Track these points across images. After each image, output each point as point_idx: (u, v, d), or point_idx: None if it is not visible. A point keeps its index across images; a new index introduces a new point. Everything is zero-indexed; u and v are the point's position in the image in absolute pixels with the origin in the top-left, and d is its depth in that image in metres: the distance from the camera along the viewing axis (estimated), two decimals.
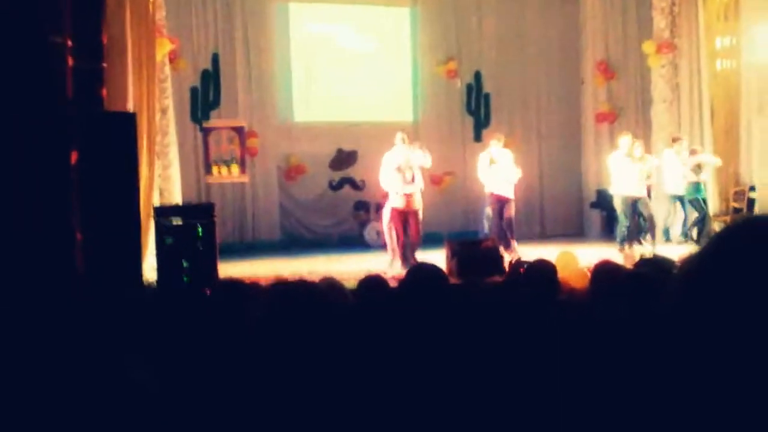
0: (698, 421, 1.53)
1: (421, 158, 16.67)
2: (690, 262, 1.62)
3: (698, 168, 18.30)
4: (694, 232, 18.76)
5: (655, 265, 6.89)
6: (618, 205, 17.87)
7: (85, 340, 3.58)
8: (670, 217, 19.64)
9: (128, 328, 3.91)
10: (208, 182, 21.15)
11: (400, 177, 16.22)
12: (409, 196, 16.32)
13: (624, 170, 17.49)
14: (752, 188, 18.89)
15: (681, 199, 18.93)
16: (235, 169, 20.70)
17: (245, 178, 21.34)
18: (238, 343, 3.96)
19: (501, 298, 5.55)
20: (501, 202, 17.53)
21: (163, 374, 3.90)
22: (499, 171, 17.49)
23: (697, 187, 18.52)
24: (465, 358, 3.85)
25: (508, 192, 17.56)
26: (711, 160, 18.62)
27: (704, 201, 18.57)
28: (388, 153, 16.66)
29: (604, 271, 6.84)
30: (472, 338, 4.18)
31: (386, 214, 16.47)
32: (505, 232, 17.42)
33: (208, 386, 3.71)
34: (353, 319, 5.36)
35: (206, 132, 20.87)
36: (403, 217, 16.37)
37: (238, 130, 20.94)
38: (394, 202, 16.28)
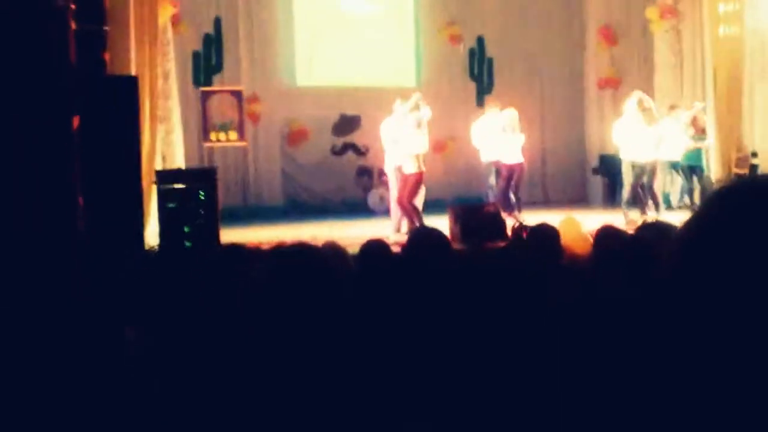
0: (696, 391, 1.51)
1: (428, 112, 16.54)
2: (686, 224, 1.59)
3: (698, 131, 18.21)
4: (687, 200, 18.79)
5: (656, 230, 6.88)
6: (625, 169, 17.79)
7: (86, 304, 3.57)
8: (668, 185, 19.58)
9: (128, 292, 3.90)
10: (206, 146, 21.07)
11: (425, 136, 16.10)
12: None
13: (632, 133, 17.37)
14: (754, 154, 18.85)
15: (678, 166, 18.86)
16: (233, 134, 20.60)
17: (244, 143, 21.27)
18: (239, 307, 3.95)
19: (504, 263, 5.53)
20: (512, 170, 17.48)
21: (162, 339, 3.89)
22: (508, 138, 17.44)
23: (693, 155, 18.51)
24: (467, 323, 3.83)
25: (519, 158, 17.53)
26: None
27: (697, 169, 18.49)
28: (389, 119, 16.54)
29: (606, 236, 6.83)
30: (475, 303, 4.16)
31: (411, 182, 16.11)
32: (511, 198, 17.38)
33: (208, 351, 3.70)
34: (355, 283, 5.35)
35: (204, 96, 20.79)
36: None
37: (237, 95, 20.83)
38: (421, 165, 16.04)
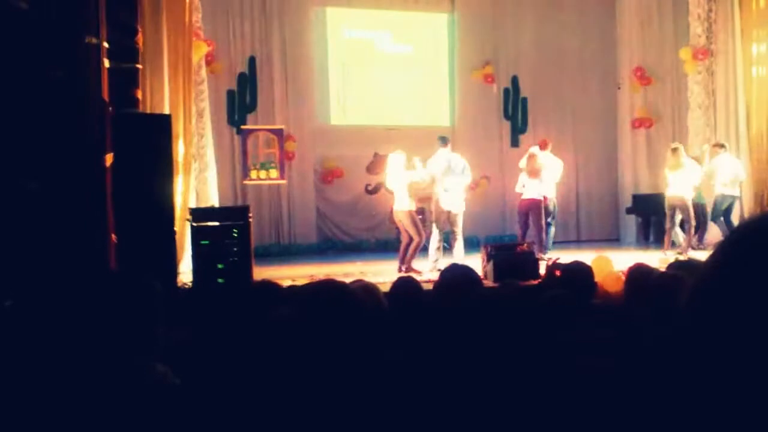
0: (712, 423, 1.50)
1: (419, 175, 16.47)
2: (707, 260, 1.59)
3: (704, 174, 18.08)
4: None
5: (686, 268, 6.86)
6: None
7: (115, 340, 3.58)
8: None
9: (161, 326, 3.90)
10: (246, 184, 21.15)
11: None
12: None
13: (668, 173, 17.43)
14: None
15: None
16: (273, 172, 20.66)
17: (284, 182, 21.34)
18: (271, 343, 3.94)
19: (536, 301, 5.51)
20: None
21: (195, 375, 3.89)
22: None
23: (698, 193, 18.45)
24: (497, 360, 3.82)
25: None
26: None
27: (695, 208, 18.29)
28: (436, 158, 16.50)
29: (638, 273, 6.82)
30: (504, 340, 4.14)
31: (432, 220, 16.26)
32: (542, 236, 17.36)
33: (240, 386, 3.69)
34: (386, 320, 5.34)
35: (245, 135, 20.88)
36: None
37: (278, 133, 20.91)
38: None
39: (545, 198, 17.31)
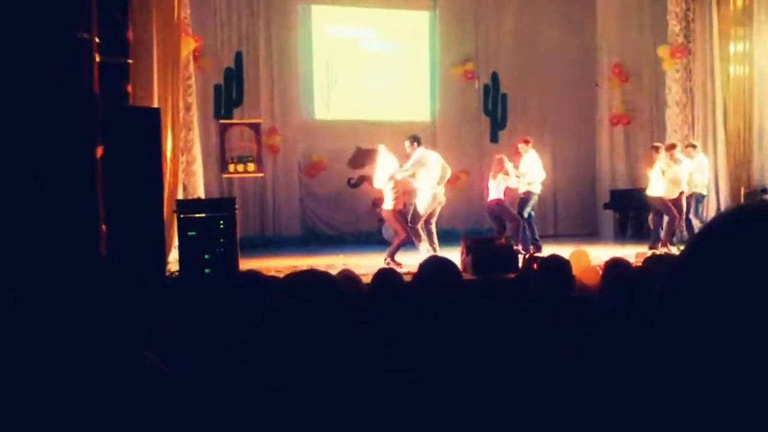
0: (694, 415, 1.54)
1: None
2: (683, 252, 1.63)
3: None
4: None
5: (662, 262, 6.92)
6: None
7: (106, 328, 3.61)
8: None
9: (151, 316, 3.93)
10: (224, 177, 21.18)
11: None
12: None
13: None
14: (764, 190, 18.85)
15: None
16: (251, 166, 20.74)
17: (261, 175, 21.38)
18: (255, 330, 3.98)
19: (514, 293, 5.56)
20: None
21: (181, 360, 3.93)
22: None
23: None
24: (475, 351, 3.86)
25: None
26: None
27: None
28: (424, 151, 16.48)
29: (615, 267, 6.86)
30: (484, 331, 4.18)
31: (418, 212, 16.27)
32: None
33: (226, 372, 3.73)
34: (367, 309, 5.38)
35: (223, 129, 20.91)
36: None
37: (255, 127, 20.96)
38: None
39: (528, 192, 17.35)
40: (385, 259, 15.50)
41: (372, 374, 3.66)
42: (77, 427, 3.24)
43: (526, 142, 17.96)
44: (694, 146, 18.38)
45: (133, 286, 3.66)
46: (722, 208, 19.17)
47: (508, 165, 17.29)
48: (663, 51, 21.16)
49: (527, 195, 17.37)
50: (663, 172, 16.92)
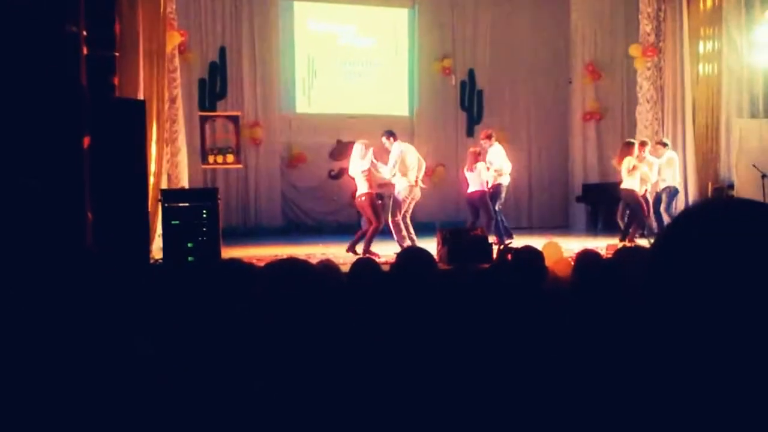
0: (664, 402, 1.56)
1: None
2: (653, 245, 1.65)
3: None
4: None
5: (631, 254, 6.94)
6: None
7: (92, 314, 3.61)
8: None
9: (134, 304, 3.94)
10: (204, 168, 21.14)
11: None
12: None
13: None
14: (731, 186, 18.91)
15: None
16: (230, 157, 20.72)
17: (239, 166, 21.38)
18: (237, 317, 3.99)
19: (488, 283, 5.57)
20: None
21: (165, 347, 3.93)
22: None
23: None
24: (449, 337, 3.87)
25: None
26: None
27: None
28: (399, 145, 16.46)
29: (586, 259, 6.87)
30: (458, 320, 4.20)
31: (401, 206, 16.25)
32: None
33: (208, 357, 3.73)
34: (346, 297, 5.39)
35: (203, 121, 20.89)
36: None
37: (234, 120, 20.96)
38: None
39: (498, 185, 17.33)
40: (364, 252, 15.49)
41: (349, 359, 3.67)
42: (66, 412, 3.24)
43: (489, 137, 17.85)
44: (664, 144, 18.43)
45: (118, 273, 3.66)
46: (690, 203, 19.23)
47: (491, 151, 17.31)
48: (634, 50, 21.25)
49: (497, 188, 17.34)
50: (634, 168, 16.96)
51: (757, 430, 1.50)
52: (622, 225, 17.83)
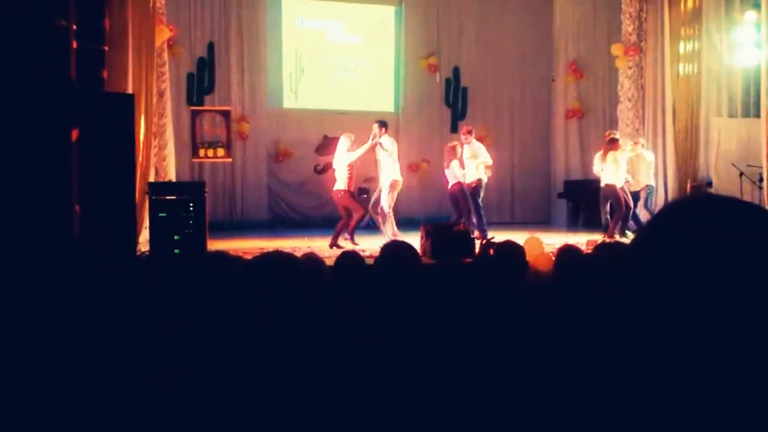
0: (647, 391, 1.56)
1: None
2: (634, 240, 1.67)
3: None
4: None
5: (611, 250, 6.95)
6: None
7: (77, 303, 3.57)
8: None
9: (120, 294, 3.90)
10: (194, 162, 21.12)
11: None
12: None
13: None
14: (709, 183, 18.97)
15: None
16: (221, 151, 20.69)
17: (229, 160, 21.35)
18: (222, 308, 3.96)
19: (470, 276, 5.56)
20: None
21: (149, 337, 3.90)
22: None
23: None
24: (432, 329, 3.85)
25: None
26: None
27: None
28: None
29: (567, 254, 6.88)
30: (441, 313, 4.18)
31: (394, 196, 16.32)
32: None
33: (193, 348, 3.70)
34: (330, 289, 5.37)
35: (194, 115, 20.86)
36: None
37: (225, 114, 20.93)
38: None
39: (479, 180, 17.31)
40: (352, 242, 15.53)
41: (333, 351, 3.65)
42: (46, 398, 3.21)
43: (469, 132, 17.79)
44: (637, 143, 18.53)
45: (100, 261, 3.63)
46: (669, 200, 19.27)
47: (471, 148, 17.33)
48: (616, 49, 21.32)
49: (479, 183, 17.31)
50: (618, 163, 17.04)
51: (734, 421, 1.50)
52: (610, 220, 17.84)
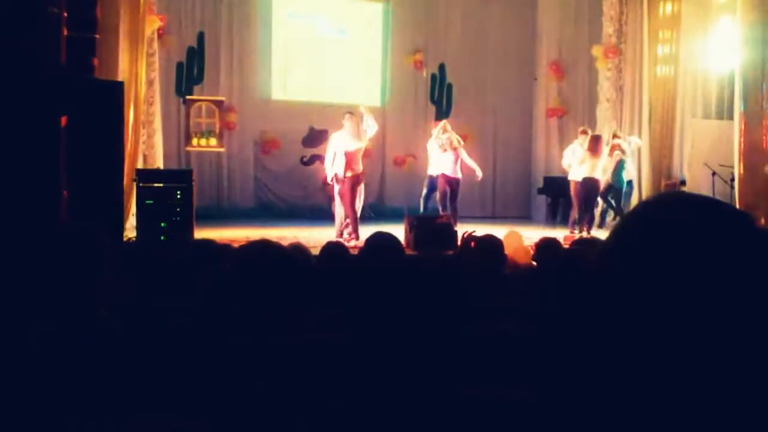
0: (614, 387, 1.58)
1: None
2: (609, 236, 1.69)
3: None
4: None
5: (588, 244, 6.97)
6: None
7: (63, 287, 3.52)
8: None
9: (109, 280, 3.85)
10: (188, 150, 21.10)
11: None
12: None
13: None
14: (683, 182, 19.07)
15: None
16: (213, 140, 20.70)
17: (222, 149, 21.32)
18: (207, 295, 3.92)
19: (452, 267, 5.53)
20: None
21: (137, 322, 3.85)
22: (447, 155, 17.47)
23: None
24: (414, 319, 3.82)
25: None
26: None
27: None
28: (336, 134, 16.41)
29: (545, 247, 6.90)
30: (424, 303, 4.15)
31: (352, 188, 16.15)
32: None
33: (177, 333, 3.67)
34: (315, 278, 5.33)
35: (188, 104, 20.84)
36: None
37: (218, 104, 20.92)
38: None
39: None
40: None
41: (317, 340, 3.62)
42: (32, 385, 3.17)
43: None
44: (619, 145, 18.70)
45: (86, 245, 3.58)
46: (644, 197, 19.37)
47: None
48: (597, 50, 21.48)
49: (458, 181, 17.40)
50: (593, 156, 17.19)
51: (708, 413, 1.51)
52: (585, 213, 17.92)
